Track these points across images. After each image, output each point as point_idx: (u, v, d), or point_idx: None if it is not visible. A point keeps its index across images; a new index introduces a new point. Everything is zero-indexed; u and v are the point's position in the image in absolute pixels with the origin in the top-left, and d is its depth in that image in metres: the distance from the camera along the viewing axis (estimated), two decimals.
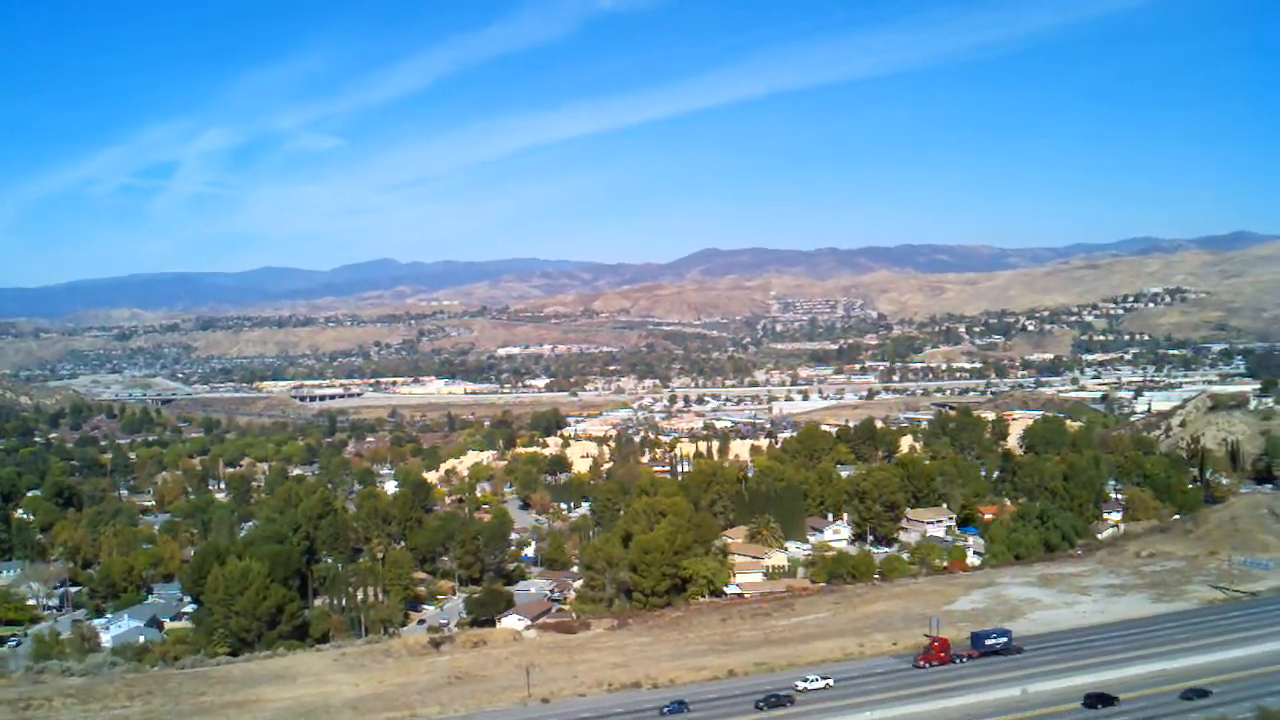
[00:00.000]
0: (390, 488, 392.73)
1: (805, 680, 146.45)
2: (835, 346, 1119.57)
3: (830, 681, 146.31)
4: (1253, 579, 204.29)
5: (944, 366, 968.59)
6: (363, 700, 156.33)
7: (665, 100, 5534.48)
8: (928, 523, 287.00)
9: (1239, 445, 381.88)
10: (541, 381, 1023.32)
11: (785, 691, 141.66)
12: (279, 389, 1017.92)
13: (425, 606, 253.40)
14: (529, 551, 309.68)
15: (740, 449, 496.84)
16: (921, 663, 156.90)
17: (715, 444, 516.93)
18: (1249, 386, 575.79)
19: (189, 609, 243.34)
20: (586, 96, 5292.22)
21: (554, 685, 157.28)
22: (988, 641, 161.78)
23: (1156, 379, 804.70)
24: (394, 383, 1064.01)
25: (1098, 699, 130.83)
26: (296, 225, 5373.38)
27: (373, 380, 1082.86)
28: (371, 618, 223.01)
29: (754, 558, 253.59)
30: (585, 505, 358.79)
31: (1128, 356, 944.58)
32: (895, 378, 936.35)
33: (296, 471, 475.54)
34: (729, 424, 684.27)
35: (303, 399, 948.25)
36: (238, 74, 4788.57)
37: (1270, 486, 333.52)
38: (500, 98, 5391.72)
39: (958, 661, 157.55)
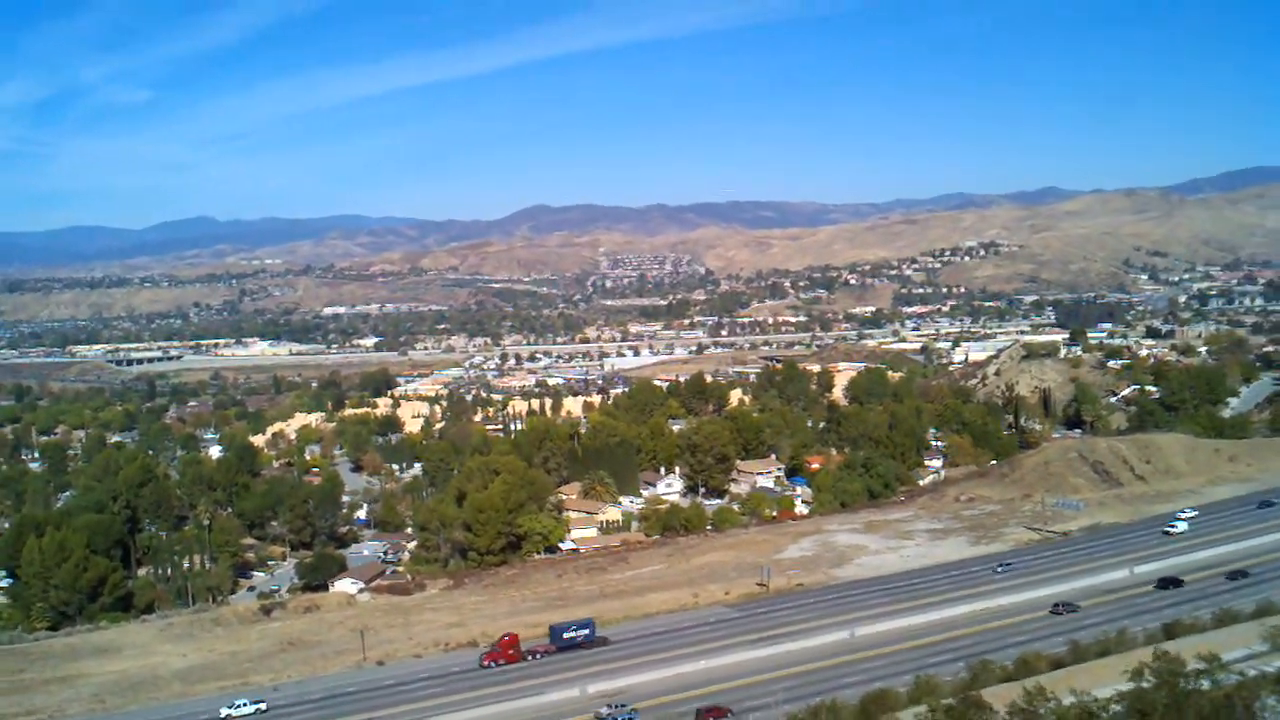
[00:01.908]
0: (215, 453, 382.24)
1: (233, 707, 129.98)
2: (665, 302, 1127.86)
3: (263, 705, 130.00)
4: (1064, 519, 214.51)
5: (770, 321, 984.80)
6: (192, 670, 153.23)
7: (492, 54, 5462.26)
8: (757, 474, 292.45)
9: (1050, 392, 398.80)
10: (370, 341, 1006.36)
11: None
12: (93, 353, 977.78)
13: (255, 573, 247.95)
14: (361, 514, 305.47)
15: (573, 406, 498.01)
16: (487, 662, 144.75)
17: (548, 401, 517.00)
18: (1059, 336, 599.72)
19: (4, 584, 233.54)
20: (412, 49, 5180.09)
21: (390, 647, 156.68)
22: (566, 635, 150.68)
23: (973, 330, 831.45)
24: (216, 345, 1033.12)
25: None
26: (107, 182, 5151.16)
27: (193, 343, 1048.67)
28: (199, 586, 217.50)
29: (588, 513, 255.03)
30: (418, 466, 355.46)
31: (945, 309, 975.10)
32: (724, 332, 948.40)
33: (115, 439, 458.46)
34: (561, 381, 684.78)
35: (119, 363, 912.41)
36: (37, 23, 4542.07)
37: (1079, 431, 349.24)
38: (323, 49, 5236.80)
39: (531, 659, 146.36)
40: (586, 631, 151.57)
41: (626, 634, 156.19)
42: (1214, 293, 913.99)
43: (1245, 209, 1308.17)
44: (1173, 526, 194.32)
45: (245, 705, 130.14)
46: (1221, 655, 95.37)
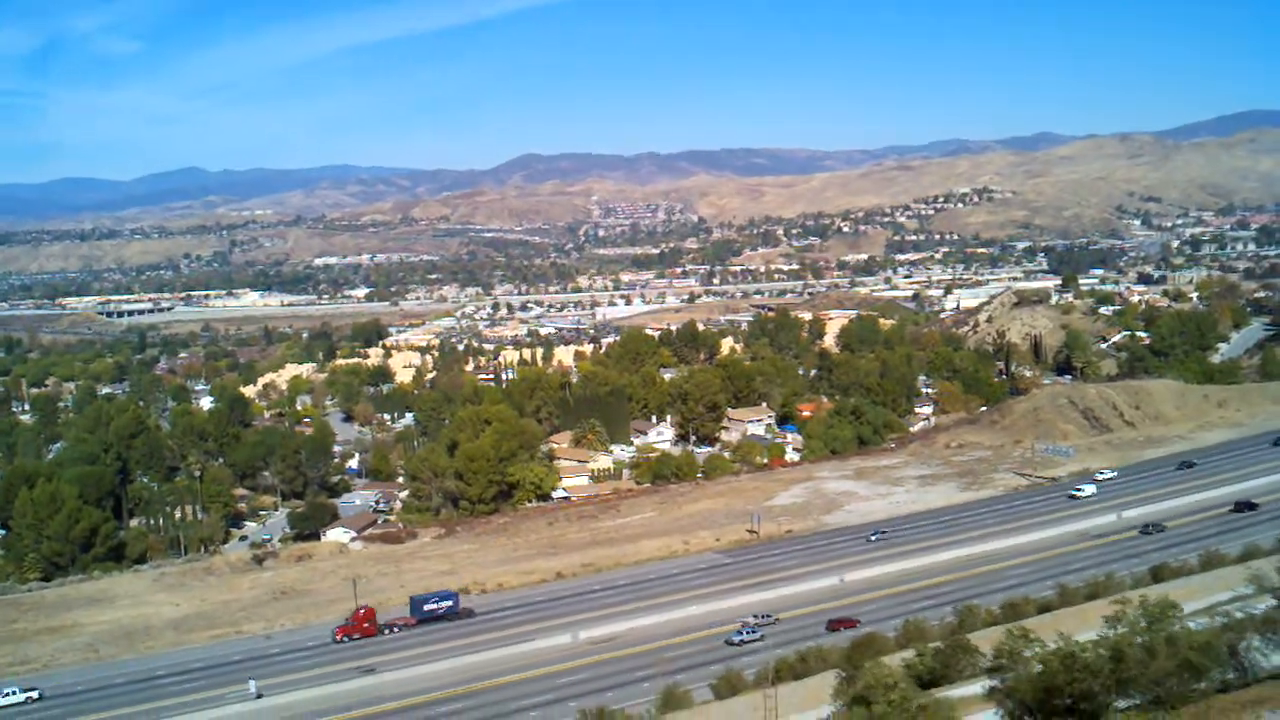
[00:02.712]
0: (206, 404, 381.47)
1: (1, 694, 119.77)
2: (657, 251, 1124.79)
3: (34, 694, 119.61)
4: (1054, 465, 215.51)
5: (763, 269, 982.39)
6: (185, 620, 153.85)
7: (484, 3, 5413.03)
8: (748, 422, 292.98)
9: (1041, 339, 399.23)
10: (361, 291, 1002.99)
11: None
12: (84, 305, 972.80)
13: (247, 523, 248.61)
14: (353, 464, 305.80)
15: (564, 355, 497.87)
16: (340, 635, 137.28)
17: (539, 351, 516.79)
18: (1051, 282, 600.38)
19: None
20: None
21: (381, 595, 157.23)
22: (428, 607, 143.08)
23: (965, 277, 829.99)
24: (206, 296, 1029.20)
25: None
26: (98, 133, 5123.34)
27: (184, 294, 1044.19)
28: (191, 536, 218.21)
29: (580, 462, 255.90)
30: (409, 416, 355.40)
31: (938, 256, 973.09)
32: (715, 281, 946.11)
33: (106, 390, 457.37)
34: (553, 330, 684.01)
35: (110, 315, 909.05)
36: None
37: (1070, 377, 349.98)
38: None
39: (388, 632, 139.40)
40: (449, 603, 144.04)
41: (526, 599, 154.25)
42: (1206, 238, 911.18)
43: (1239, 153, 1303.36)
44: (1079, 490, 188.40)
45: (15, 694, 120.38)
46: (1208, 599, 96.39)
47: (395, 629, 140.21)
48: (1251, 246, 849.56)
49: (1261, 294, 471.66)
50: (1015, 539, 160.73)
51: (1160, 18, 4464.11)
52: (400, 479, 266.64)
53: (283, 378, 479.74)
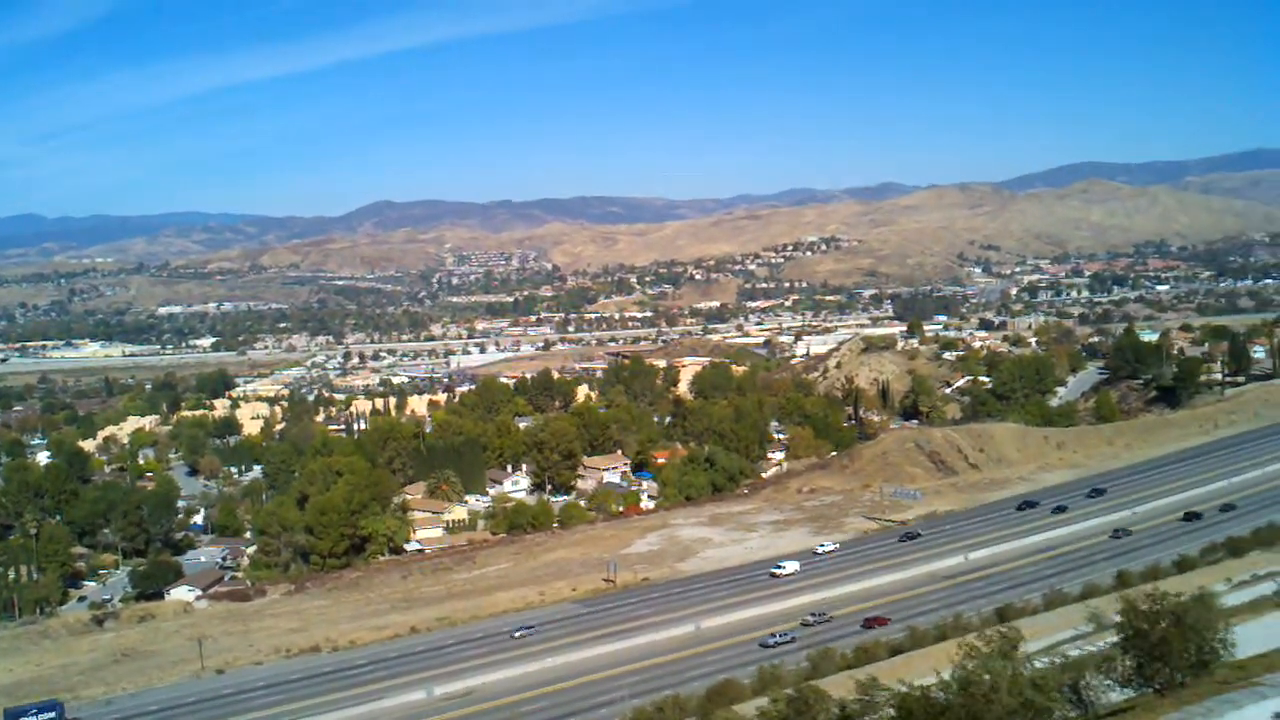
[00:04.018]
0: (43, 458, 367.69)
1: None
2: (511, 299, 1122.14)
3: None
4: (902, 509, 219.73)
5: (617, 316, 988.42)
6: (19, 686, 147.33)
7: (334, 48, 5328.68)
8: (604, 469, 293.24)
9: (888, 384, 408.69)
10: (207, 341, 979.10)
11: None
12: None
13: (86, 583, 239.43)
14: (198, 519, 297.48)
15: (418, 404, 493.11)
16: None
17: (392, 400, 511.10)
18: (897, 329, 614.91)
19: None
20: (250, 42, 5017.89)
21: (229, 655, 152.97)
22: None
23: (814, 324, 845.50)
24: (44, 346, 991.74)
25: None
26: None
27: (19, 345, 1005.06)
28: (26, 598, 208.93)
29: (434, 513, 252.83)
30: (257, 468, 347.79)
31: (788, 303, 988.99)
32: (570, 328, 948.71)
33: None
34: (406, 379, 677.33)
35: None
36: None
37: (916, 421, 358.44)
38: (157, 42, 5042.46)
39: None
40: (51, 715, 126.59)
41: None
42: (1044, 285, 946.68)
43: (1072, 203, 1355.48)
44: (780, 568, 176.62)
45: None
46: (1051, 637, 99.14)
47: None
48: (1085, 293, 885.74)
49: (1095, 339, 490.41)
50: (868, 581, 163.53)
51: (996, 68, 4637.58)
52: (248, 534, 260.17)
53: (124, 430, 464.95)
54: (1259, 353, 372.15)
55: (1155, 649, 58.23)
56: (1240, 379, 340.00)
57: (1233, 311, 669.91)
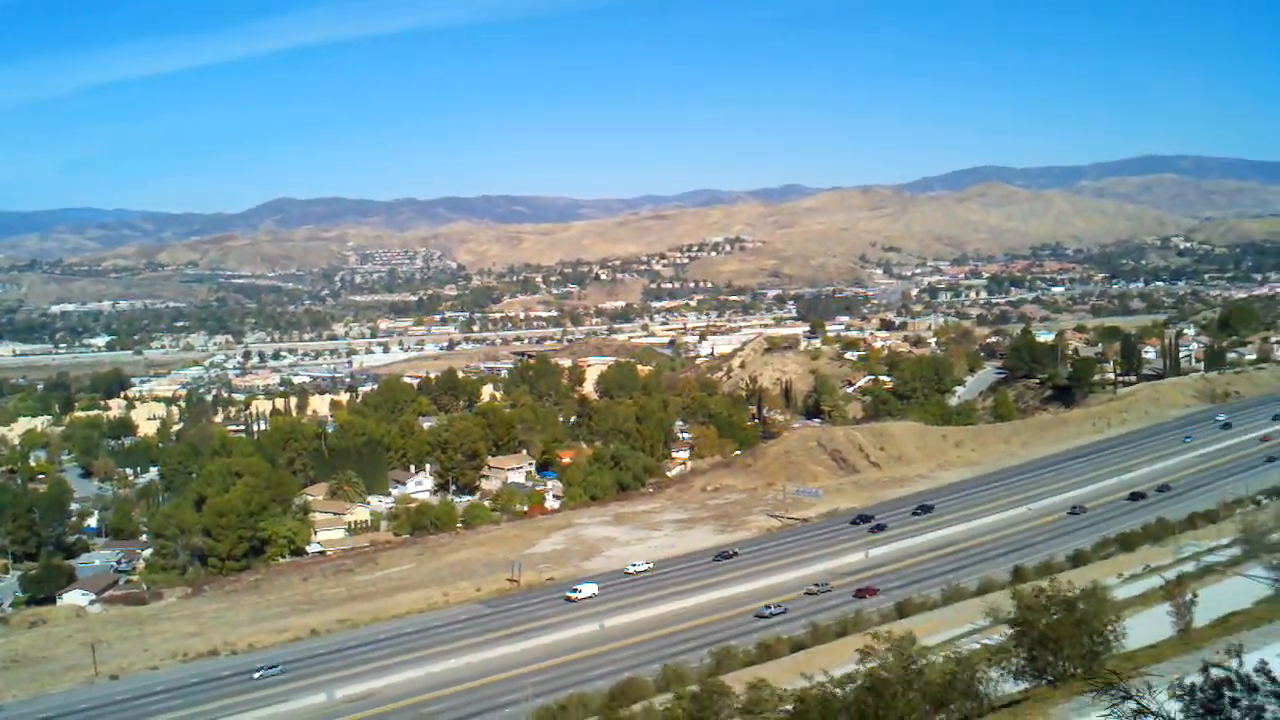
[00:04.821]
0: None
1: None
2: (415, 298, 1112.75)
3: None
4: (804, 506, 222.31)
5: (522, 316, 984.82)
6: None
7: (232, 43, 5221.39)
8: (509, 469, 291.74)
9: (791, 384, 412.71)
10: (102, 340, 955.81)
11: None
12: None
13: None
14: (92, 522, 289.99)
15: (320, 404, 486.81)
16: None
17: (293, 400, 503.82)
18: (800, 329, 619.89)
19: None
20: (147, 35, 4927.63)
21: (124, 660, 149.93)
22: None
23: (719, 324, 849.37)
24: None
25: None
26: None
27: None
28: None
29: (336, 514, 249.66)
30: (154, 470, 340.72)
31: (693, 303, 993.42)
32: (475, 328, 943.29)
33: None
34: (307, 379, 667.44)
35: None
36: None
37: (819, 420, 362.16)
38: (46, 36, 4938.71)
39: None
40: None
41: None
42: (943, 286, 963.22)
43: (971, 206, 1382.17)
44: (576, 591, 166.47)
45: None
46: (950, 632, 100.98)
47: None
48: (984, 294, 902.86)
49: (993, 339, 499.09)
50: (768, 579, 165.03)
51: (897, 72, 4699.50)
52: (144, 537, 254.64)
53: (15, 431, 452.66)
54: (1150, 353, 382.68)
55: (1047, 641, 59.52)
56: (1132, 379, 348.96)
57: (1125, 313, 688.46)
